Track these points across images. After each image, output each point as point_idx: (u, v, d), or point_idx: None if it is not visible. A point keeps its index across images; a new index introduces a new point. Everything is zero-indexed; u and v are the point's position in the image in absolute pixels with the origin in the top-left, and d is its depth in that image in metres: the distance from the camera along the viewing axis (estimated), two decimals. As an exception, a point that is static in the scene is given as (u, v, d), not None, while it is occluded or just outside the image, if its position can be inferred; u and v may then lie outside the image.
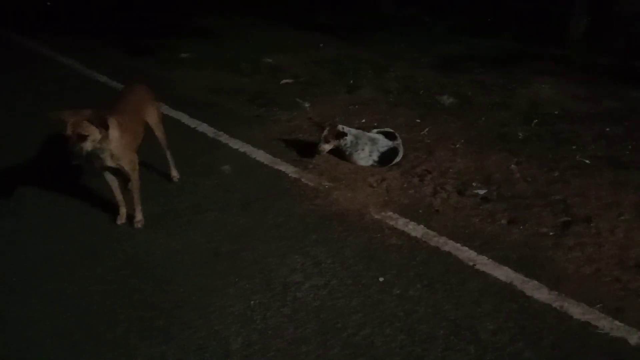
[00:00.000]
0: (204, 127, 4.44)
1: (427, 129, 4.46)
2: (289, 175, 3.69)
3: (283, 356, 2.24)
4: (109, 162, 2.79)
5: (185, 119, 4.59)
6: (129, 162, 2.88)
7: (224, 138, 4.26)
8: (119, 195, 3.08)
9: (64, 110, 2.51)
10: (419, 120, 4.62)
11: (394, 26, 7.54)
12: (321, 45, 6.82)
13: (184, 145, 4.03)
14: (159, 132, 3.33)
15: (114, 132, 2.66)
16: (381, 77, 5.64)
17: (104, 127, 2.58)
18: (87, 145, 2.57)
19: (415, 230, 3.07)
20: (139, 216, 3.08)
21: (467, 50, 6.49)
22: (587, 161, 3.92)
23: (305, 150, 4.01)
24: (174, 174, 3.59)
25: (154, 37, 7.08)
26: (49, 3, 9.44)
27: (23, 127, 4.30)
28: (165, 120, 4.50)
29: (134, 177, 2.98)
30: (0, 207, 3.29)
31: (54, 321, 2.42)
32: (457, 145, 4.18)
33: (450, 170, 3.80)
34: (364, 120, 4.63)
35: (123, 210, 3.12)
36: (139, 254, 2.88)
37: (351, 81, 5.51)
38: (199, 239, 3.01)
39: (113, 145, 2.69)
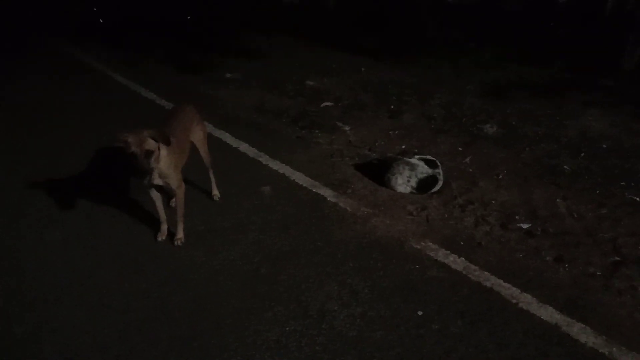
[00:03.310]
0: (245, 147, 4.51)
1: (469, 158, 4.39)
2: (328, 199, 3.69)
3: (318, 387, 2.21)
4: (157, 180, 2.86)
5: (227, 138, 4.68)
6: (175, 180, 2.94)
7: (264, 158, 4.31)
8: (162, 212, 3.15)
9: (124, 131, 2.59)
10: (461, 149, 4.55)
11: (439, 51, 7.51)
12: (363, 69, 6.85)
13: (225, 164, 4.10)
14: (203, 152, 3.40)
15: (163, 151, 2.72)
16: (424, 102, 5.61)
17: (166, 143, 2.66)
18: (154, 162, 2.65)
19: (456, 263, 2.99)
20: (180, 234, 3.13)
21: (514, 78, 6.39)
22: (638, 199, 3.75)
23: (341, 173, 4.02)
24: (215, 192, 3.65)
25: (201, 56, 7.31)
26: (101, 20, 9.91)
27: (72, 140, 4.48)
28: (208, 139, 4.65)
29: (179, 195, 3.04)
30: (52, 217, 3.41)
31: (96, 334, 2.46)
32: (501, 176, 4.09)
33: (493, 202, 3.71)
34: (404, 146, 4.60)
35: (164, 227, 3.19)
36: (180, 271, 2.91)
37: (392, 106, 5.50)
38: (238, 259, 3.03)
39: (162, 163, 2.76)
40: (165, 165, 2.80)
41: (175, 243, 3.12)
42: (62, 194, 3.61)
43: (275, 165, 4.19)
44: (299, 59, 7.31)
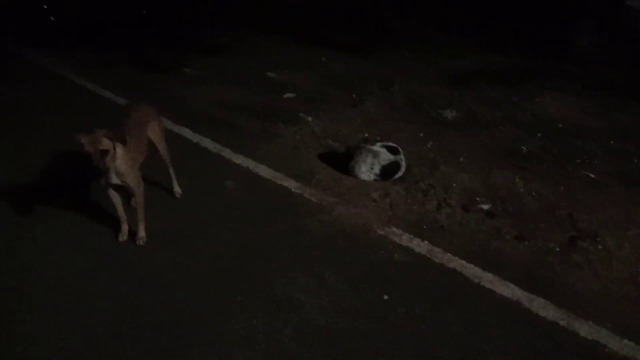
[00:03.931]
0: (206, 142, 4.44)
1: (430, 143, 4.45)
2: (292, 190, 3.67)
3: (287, 377, 2.21)
4: (114, 180, 2.78)
5: (187, 134, 4.59)
6: (133, 179, 2.87)
7: (226, 153, 4.25)
8: (121, 212, 3.07)
9: (79, 132, 2.54)
10: (422, 135, 4.61)
11: (399, 41, 7.58)
12: (323, 59, 6.84)
13: (186, 161, 4.02)
14: (161, 148, 3.33)
15: (119, 150, 2.66)
16: (386, 91, 5.65)
17: (122, 142, 2.62)
18: (109, 161, 2.62)
19: (420, 246, 3.04)
20: (141, 233, 3.06)
21: (473, 65, 6.51)
22: (593, 176, 3.89)
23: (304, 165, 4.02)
24: (177, 189, 3.58)
25: (160, 53, 7.13)
26: (52, 18, 9.54)
27: (29, 142, 4.31)
28: (168, 135, 4.54)
29: (138, 193, 2.97)
30: (7, 222, 3.28)
31: (63, 339, 2.38)
32: (461, 160, 4.17)
33: (455, 185, 3.78)
34: (367, 135, 4.62)
35: (125, 227, 3.11)
36: (144, 270, 2.85)
37: (355, 96, 5.52)
38: (203, 255, 2.98)
39: (119, 162, 2.69)
40: (122, 164, 2.73)
41: (137, 242, 3.05)
42: (19, 198, 3.47)
43: (238, 159, 4.14)
44: (261, 54, 7.23)
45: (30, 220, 3.30)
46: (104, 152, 2.55)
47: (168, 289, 2.72)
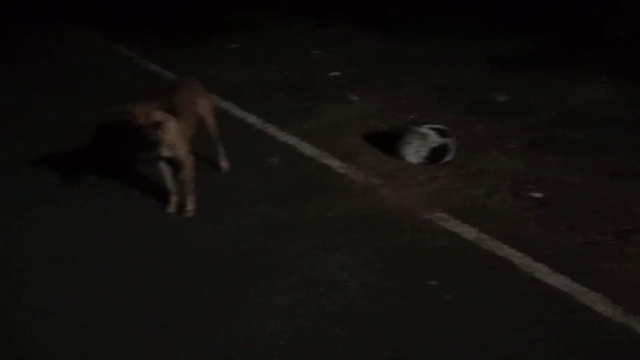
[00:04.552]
0: (252, 119, 4.45)
1: (479, 127, 4.31)
2: (336, 170, 3.64)
3: (328, 356, 2.20)
4: (165, 152, 2.83)
5: (233, 109, 4.61)
6: (184, 153, 2.92)
7: (271, 130, 4.25)
8: (170, 184, 3.12)
9: (131, 103, 2.55)
10: (471, 118, 4.46)
11: (440, 20, 7.30)
12: (365, 38, 6.69)
13: (231, 136, 4.04)
14: (210, 124, 3.36)
15: (171, 122, 2.68)
16: (430, 72, 5.48)
17: (174, 115, 2.60)
18: (162, 133, 2.61)
19: (468, 232, 2.95)
20: (190, 205, 3.11)
21: (515, 48, 6.20)
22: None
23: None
24: (224, 164, 3.61)
25: (199, 30, 7.15)
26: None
27: (74, 114, 4.43)
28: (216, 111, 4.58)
29: (188, 166, 3.02)
30: (59, 191, 3.40)
31: (89, 310, 2.45)
32: (512, 146, 4.01)
33: (505, 172, 3.65)
34: (412, 116, 4.51)
35: (174, 199, 3.16)
36: (188, 243, 2.90)
37: (400, 75, 5.39)
38: (245, 231, 3.01)
39: (170, 134, 2.72)
40: (174, 137, 2.77)
41: (186, 215, 3.10)
42: (68, 168, 3.59)
43: (282, 136, 4.13)
44: (299, 31, 7.15)
45: (78, 190, 3.40)
46: (157, 125, 2.56)
47: (210, 262, 2.77)
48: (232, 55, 6.24)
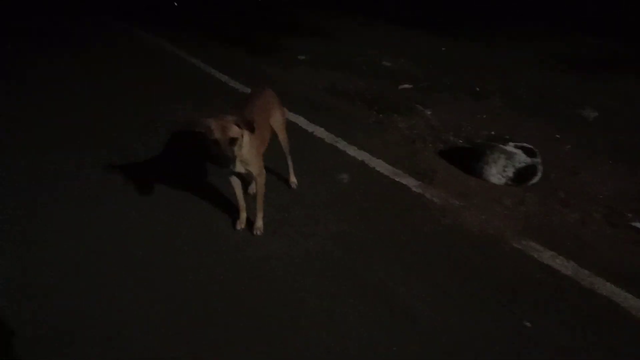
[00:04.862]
0: (320, 132, 4.31)
1: (568, 147, 3.95)
2: (412, 189, 3.42)
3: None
4: (238, 167, 2.72)
5: (302, 122, 4.49)
6: (257, 168, 2.80)
7: (341, 144, 4.09)
8: (241, 200, 3.02)
9: (206, 117, 2.46)
10: (558, 136, 4.10)
11: (520, 27, 6.92)
12: (443, 49, 6.42)
13: (300, 150, 3.92)
14: (282, 137, 3.24)
15: (245, 137, 2.57)
16: (511, 83, 5.15)
17: (250, 130, 2.51)
18: (238, 149, 2.52)
19: (565, 266, 2.65)
20: (259, 222, 3.00)
21: (603, 55, 5.73)
22: None
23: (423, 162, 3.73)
24: (293, 179, 3.49)
25: (268, 37, 7.16)
26: (176, 4, 10.02)
27: (148, 121, 4.46)
28: (284, 123, 4.48)
29: (260, 182, 2.90)
30: (131, 198, 3.38)
31: (172, 326, 2.37)
32: (605, 167, 3.64)
33: (599, 196, 3.30)
34: (493, 132, 4.21)
35: (244, 215, 3.06)
36: (258, 261, 2.78)
37: (477, 88, 5.09)
38: (317, 251, 2.85)
39: (245, 150, 2.61)
40: (248, 152, 2.65)
41: (254, 232, 2.99)
42: (141, 176, 3.58)
43: (352, 151, 3.96)
44: (369, 39, 6.99)
45: (149, 199, 3.36)
46: (234, 140, 2.46)
47: (281, 283, 2.62)
48: (299, 64, 6.16)
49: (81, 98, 5.09)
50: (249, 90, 5.26)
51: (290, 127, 4.36)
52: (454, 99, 4.89)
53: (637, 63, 5.40)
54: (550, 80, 5.16)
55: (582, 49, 5.91)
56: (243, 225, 3.05)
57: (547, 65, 5.53)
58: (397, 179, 3.54)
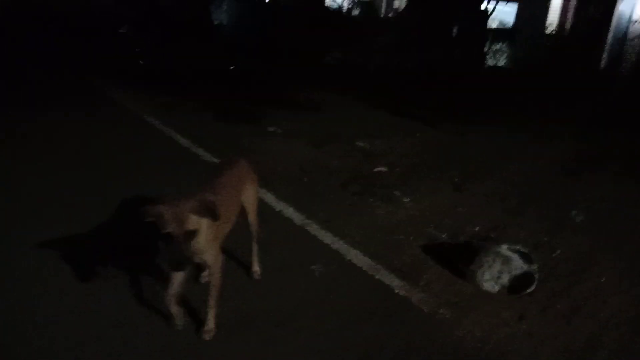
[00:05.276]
0: (290, 212, 3.84)
1: (558, 252, 3.62)
2: (395, 291, 2.93)
3: None
4: (194, 259, 2.16)
5: (270, 199, 4.02)
6: (213, 256, 2.25)
7: (312, 228, 3.61)
8: (178, 292, 2.38)
9: (159, 204, 1.94)
10: (547, 238, 3.79)
11: (511, 112, 6.89)
12: (418, 134, 6.25)
13: (266, 231, 3.41)
14: (253, 219, 2.73)
15: (204, 224, 2.04)
16: (494, 175, 4.92)
17: (213, 218, 2.00)
18: (195, 242, 2.00)
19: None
20: (210, 324, 2.39)
21: (598, 147, 5.69)
22: None
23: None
24: (256, 268, 2.93)
25: (242, 107, 6.85)
26: (141, 62, 9.71)
27: (99, 187, 3.88)
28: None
29: (216, 271, 2.33)
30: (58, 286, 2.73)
31: None
32: (603, 279, 3.31)
33: (603, 313, 2.92)
34: (477, 229, 3.86)
35: (176, 310, 2.41)
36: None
37: (456, 179, 4.82)
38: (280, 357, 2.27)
39: (202, 238, 2.07)
40: (205, 240, 2.11)
41: (203, 336, 2.37)
42: (79, 258, 2.93)
43: (326, 237, 3.48)
44: (346, 117, 6.80)
45: (78, 286, 2.73)
46: (191, 234, 1.94)
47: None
48: (272, 136, 5.80)
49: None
50: (215, 159, 4.83)
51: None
52: (433, 187, 4.58)
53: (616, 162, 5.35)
54: (539, 177, 4.98)
55: (585, 148, 5.83)
56: (181, 323, 2.41)
57: (539, 161, 5.39)
58: (377, 277, 3.06)
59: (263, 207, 3.82)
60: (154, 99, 6.98)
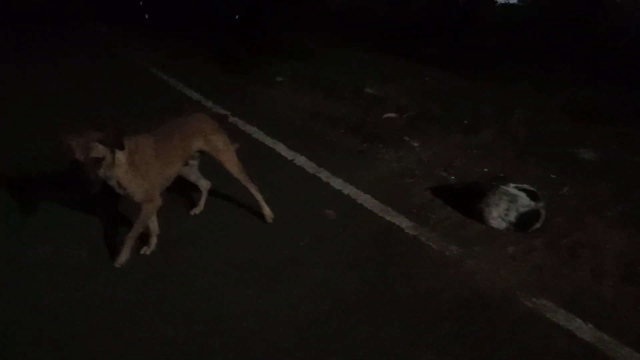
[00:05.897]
0: (302, 160, 3.91)
1: (566, 189, 3.68)
2: (405, 231, 3.04)
3: None
4: (118, 189, 2.43)
5: (281, 148, 4.09)
6: (140, 193, 2.46)
7: (324, 175, 3.70)
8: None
9: (70, 134, 2.16)
10: (554, 176, 3.84)
11: (514, 61, 6.75)
12: (427, 78, 6.19)
13: (280, 180, 3.52)
14: (229, 165, 2.83)
15: (120, 156, 2.30)
16: (504, 119, 4.90)
17: (119, 147, 2.25)
18: (104, 170, 2.25)
19: (584, 331, 2.30)
20: (124, 255, 2.57)
21: (604, 97, 5.60)
22: None
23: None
24: (267, 212, 3.04)
25: (249, 55, 6.80)
26: (146, 16, 9.57)
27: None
28: (259, 149, 4.06)
29: (145, 211, 2.52)
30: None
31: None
32: (610, 214, 3.37)
33: (608, 247, 3.00)
34: (486, 169, 3.92)
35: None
36: (226, 314, 2.32)
37: (466, 121, 4.83)
38: (300, 303, 2.42)
39: (121, 170, 2.33)
40: (125, 173, 2.35)
41: (115, 264, 2.56)
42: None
43: (337, 184, 3.57)
44: (353, 63, 6.72)
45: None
46: (97, 161, 2.17)
47: (256, 341, 2.16)
48: (282, 84, 5.79)
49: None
50: (220, 110, 4.89)
51: (269, 153, 3.99)
52: (443, 131, 4.60)
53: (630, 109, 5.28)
54: (547, 120, 4.95)
55: (592, 94, 5.73)
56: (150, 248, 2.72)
57: (550, 108, 5.33)
58: (388, 218, 3.16)
59: (275, 157, 3.95)
60: (159, 49, 6.96)
